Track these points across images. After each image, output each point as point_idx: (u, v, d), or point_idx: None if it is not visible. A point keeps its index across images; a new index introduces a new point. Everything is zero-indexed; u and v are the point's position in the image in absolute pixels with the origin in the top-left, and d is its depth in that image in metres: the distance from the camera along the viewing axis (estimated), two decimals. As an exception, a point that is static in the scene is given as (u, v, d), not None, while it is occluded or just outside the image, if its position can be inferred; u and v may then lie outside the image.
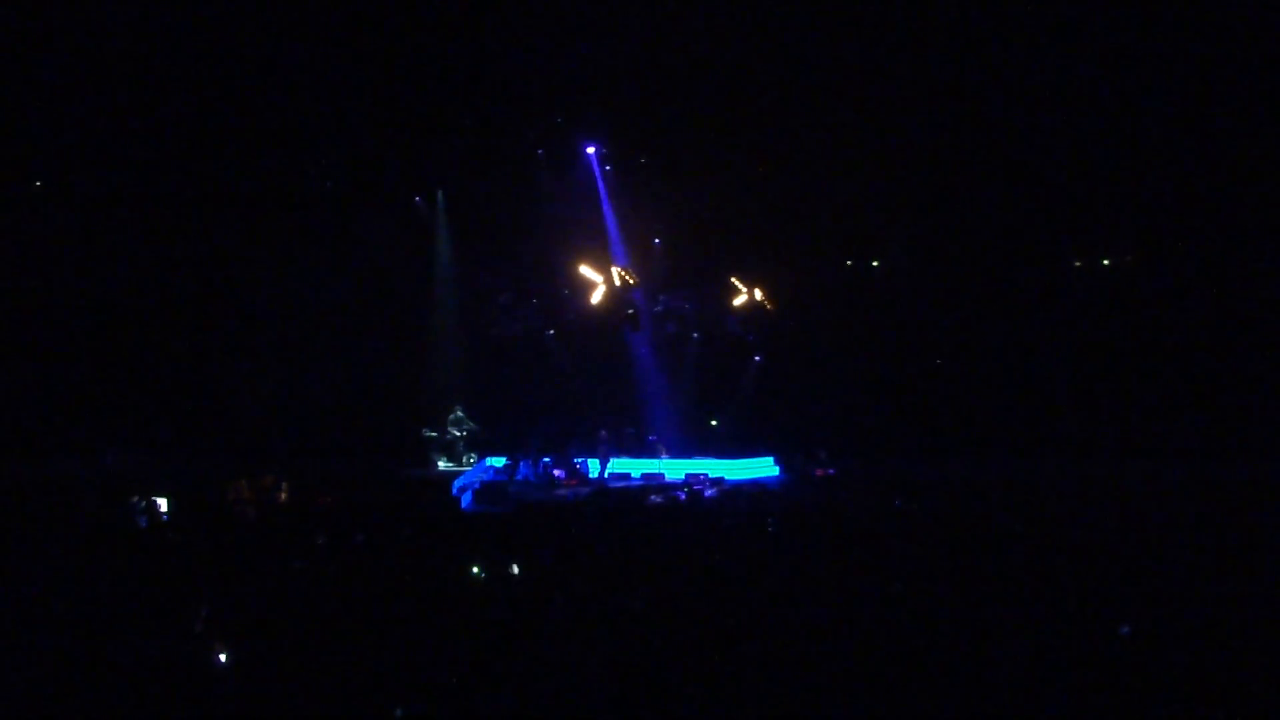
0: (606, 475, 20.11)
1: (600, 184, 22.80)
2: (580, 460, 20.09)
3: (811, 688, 6.14)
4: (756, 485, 19.07)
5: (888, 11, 18.79)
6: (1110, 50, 18.89)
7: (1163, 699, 5.81)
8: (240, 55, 18.94)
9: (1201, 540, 10.82)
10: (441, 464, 20.52)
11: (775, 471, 21.16)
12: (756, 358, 23.76)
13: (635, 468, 20.73)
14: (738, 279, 22.91)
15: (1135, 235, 22.31)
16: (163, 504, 13.53)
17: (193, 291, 22.53)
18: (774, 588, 8.48)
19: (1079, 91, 19.70)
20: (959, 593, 8.04)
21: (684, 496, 16.89)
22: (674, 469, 20.00)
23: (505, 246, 23.22)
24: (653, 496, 16.81)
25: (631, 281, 22.15)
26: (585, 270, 22.30)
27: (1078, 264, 23.08)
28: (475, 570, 9.58)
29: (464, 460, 20.56)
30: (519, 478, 19.27)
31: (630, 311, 22.39)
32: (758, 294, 22.87)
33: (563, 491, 18.21)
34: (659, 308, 23.53)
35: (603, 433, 20.78)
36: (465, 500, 17.06)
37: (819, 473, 20.08)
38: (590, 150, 22.44)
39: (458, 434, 20.79)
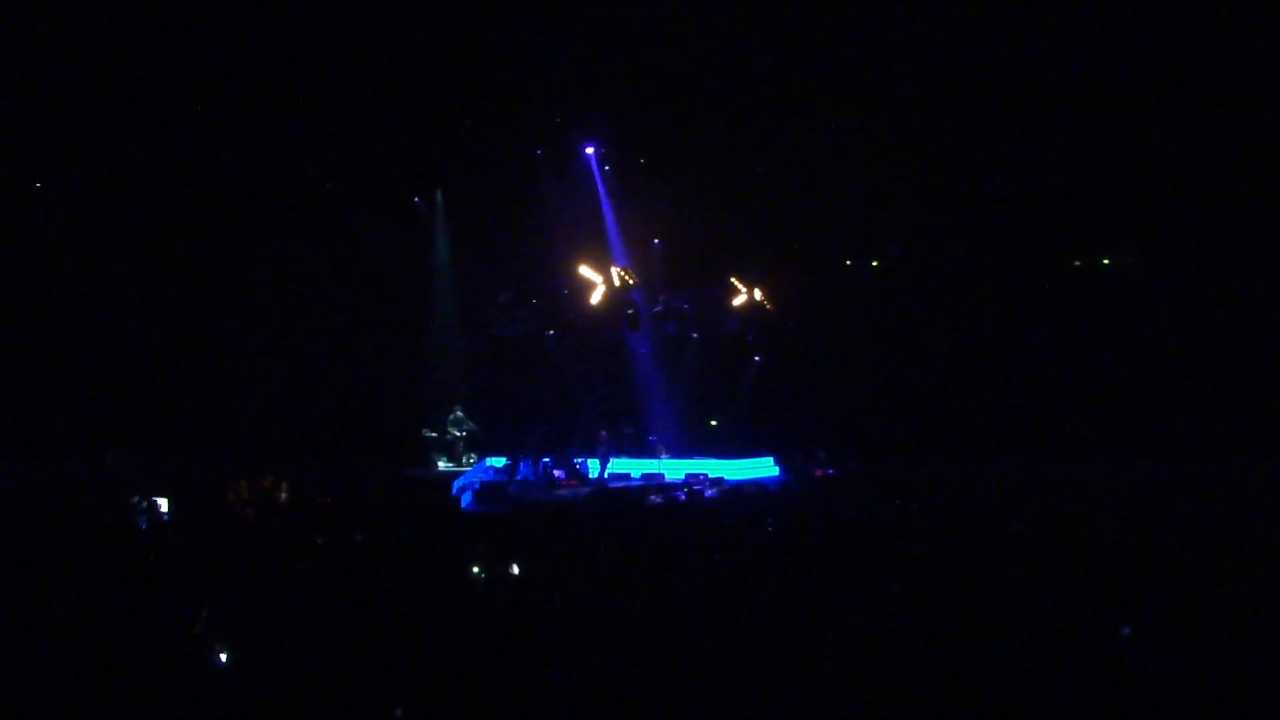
0: (606, 475, 20.11)
1: (599, 184, 22.80)
2: (580, 460, 20.09)
3: (811, 688, 6.13)
4: (756, 485, 19.07)
5: (888, 11, 18.79)
6: (1111, 50, 18.89)
7: (1163, 700, 5.81)
8: (240, 54, 18.93)
9: (1202, 540, 10.83)
10: (441, 464, 20.52)
11: (775, 472, 21.17)
12: (756, 358, 23.76)
13: (635, 468, 20.74)
14: (737, 279, 22.91)
15: (1135, 235, 22.32)
16: (163, 504, 13.52)
17: (192, 291, 22.52)
18: (774, 588, 8.48)
19: (1079, 91, 19.70)
20: (959, 593, 8.04)
21: (684, 496, 16.89)
22: (674, 469, 20.00)
23: (505, 246, 23.20)
24: (652, 496, 16.81)
25: (631, 281, 22.14)
26: (585, 270, 22.29)
27: (1077, 264, 23.09)
28: (475, 570, 9.57)
29: (464, 460, 20.55)
30: (519, 478, 19.27)
31: (630, 311, 22.38)
32: (757, 294, 22.87)
33: (562, 491, 18.20)
34: (658, 308, 23.52)
35: (603, 433, 20.78)
36: (465, 500, 17.07)
37: (819, 473, 20.09)
38: (589, 150, 22.44)
39: (457, 434, 20.78)
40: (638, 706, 5.99)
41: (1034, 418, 21.93)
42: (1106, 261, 23.00)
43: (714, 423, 23.82)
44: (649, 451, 21.40)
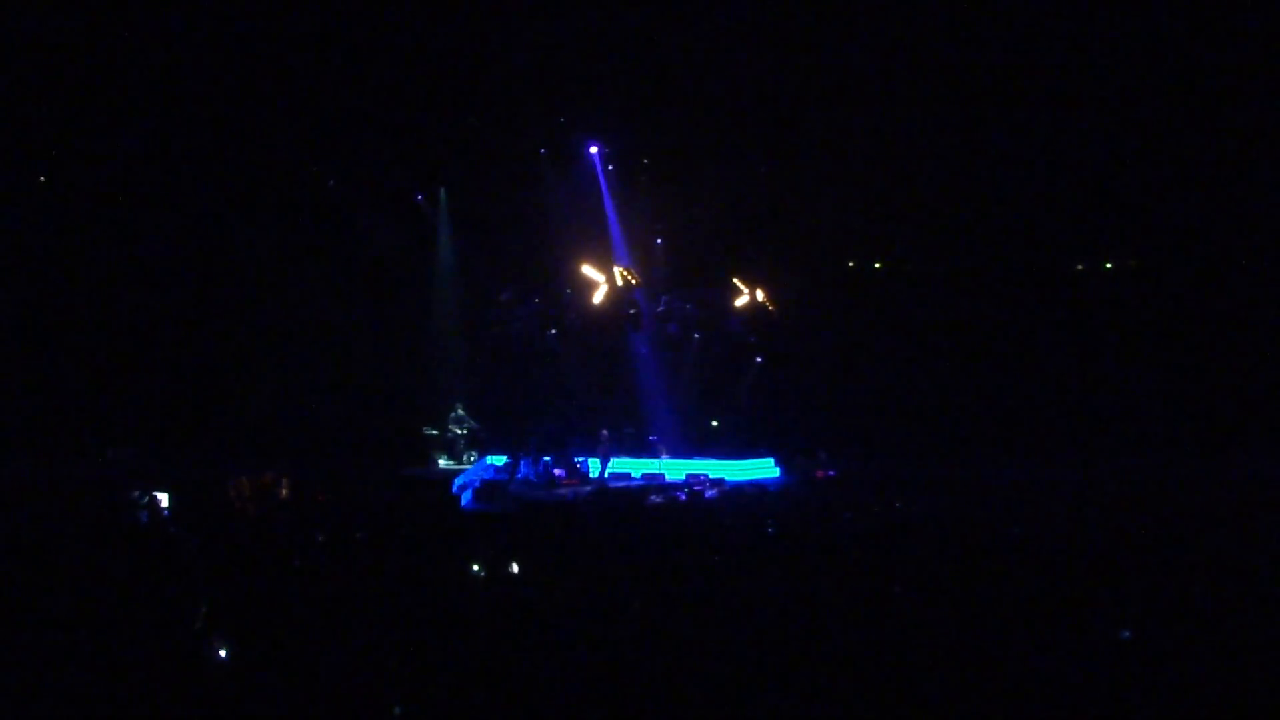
0: (607, 475, 20.11)
1: (603, 183, 22.80)
2: (581, 459, 20.08)
3: (812, 689, 6.13)
4: (757, 486, 19.07)
5: (890, 12, 18.78)
6: (1111, 51, 18.89)
7: (1163, 701, 5.80)
8: (242, 54, 18.94)
9: (1202, 542, 10.81)
10: (442, 462, 20.53)
11: (776, 472, 21.17)
12: (758, 359, 23.76)
13: (636, 468, 20.73)
14: (739, 280, 22.92)
15: (1137, 239, 22.33)
16: (163, 500, 13.52)
17: (194, 289, 22.54)
18: (774, 589, 8.47)
19: (1081, 93, 19.70)
20: (959, 594, 8.03)
21: (684, 497, 16.88)
22: (674, 469, 20.00)
23: (507, 245, 23.23)
24: (653, 496, 16.80)
25: (633, 281, 22.15)
26: (587, 270, 22.30)
27: (1080, 267, 23.10)
28: (475, 569, 9.57)
29: (464, 459, 20.56)
30: (519, 477, 19.25)
31: (632, 311, 22.39)
32: (759, 295, 22.88)
33: (563, 491, 18.19)
34: (660, 308, 23.53)
35: (603, 432, 20.78)
36: (465, 499, 17.05)
37: (819, 474, 20.09)
38: (593, 150, 22.44)
39: (458, 432, 20.79)
40: (638, 707, 5.99)
41: (1034, 419, 21.93)
42: (1109, 265, 23.01)
43: (715, 423, 23.82)
44: (650, 451, 21.40)
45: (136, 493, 13.33)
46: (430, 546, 10.81)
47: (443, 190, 23.26)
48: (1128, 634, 6.53)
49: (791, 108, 20.43)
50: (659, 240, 23.64)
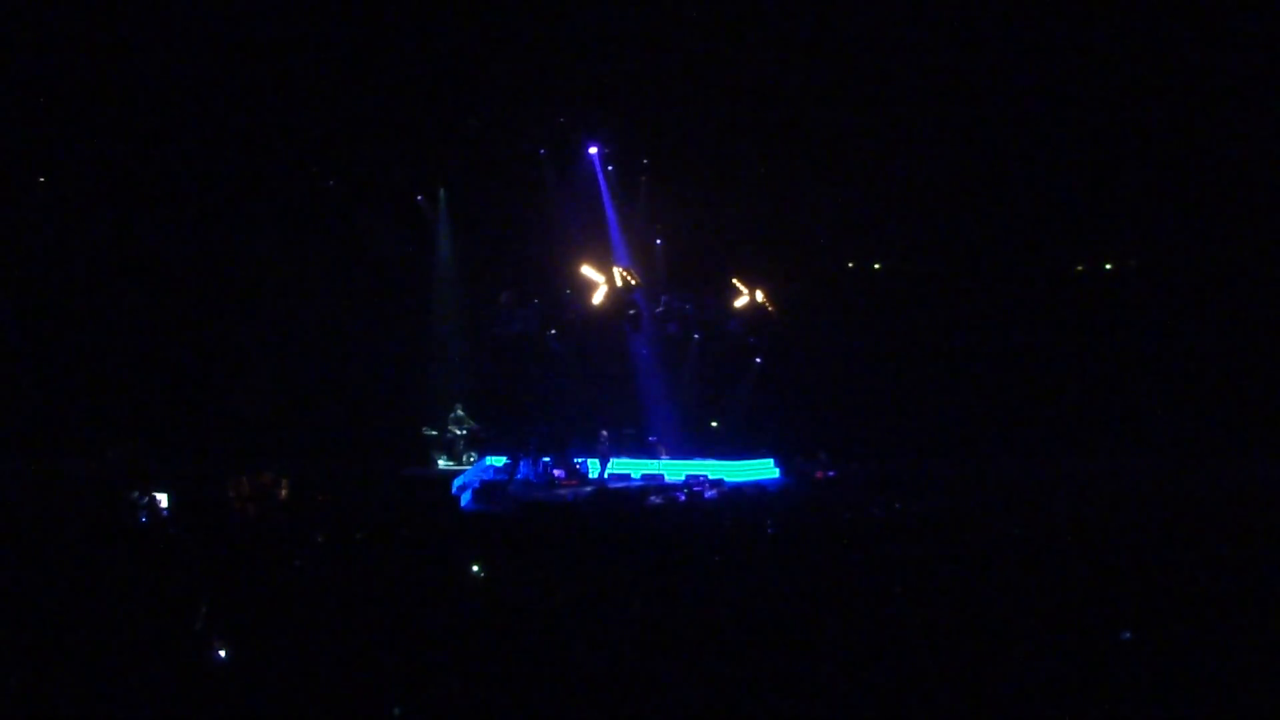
0: (606, 475, 20.10)
1: (602, 184, 22.80)
2: (580, 460, 20.08)
3: (812, 689, 6.13)
4: (756, 487, 19.07)
5: (890, 13, 18.79)
6: (1111, 51, 18.89)
7: (1164, 702, 5.80)
8: (243, 53, 18.93)
9: (1203, 542, 10.81)
10: (442, 463, 20.51)
11: (775, 473, 21.17)
12: (757, 359, 23.76)
13: (635, 468, 20.73)
14: (739, 280, 22.92)
15: (1137, 240, 22.34)
16: (163, 500, 13.53)
17: (194, 289, 22.52)
18: (773, 589, 8.47)
19: (1081, 94, 19.71)
20: (959, 594, 8.03)
21: (684, 497, 16.88)
22: (674, 470, 20.00)
23: (507, 246, 23.23)
24: (652, 497, 16.80)
25: (633, 282, 22.15)
26: (587, 270, 22.30)
27: (1080, 268, 23.11)
28: (475, 570, 9.57)
29: (464, 459, 20.54)
30: (519, 477, 19.25)
31: (631, 312, 22.38)
32: (759, 296, 22.88)
33: (562, 491, 18.19)
34: (660, 308, 23.53)
35: (603, 433, 20.78)
36: (465, 499, 17.05)
37: (819, 474, 20.09)
38: (593, 150, 22.44)
39: (458, 433, 20.77)
40: (638, 706, 5.98)
41: (1034, 419, 21.93)
42: (1109, 266, 23.02)
43: (714, 424, 23.82)
44: (649, 452, 21.41)
45: (136, 493, 13.35)
46: (430, 547, 10.80)
47: (443, 190, 23.25)
48: (1128, 634, 6.53)
49: (792, 108, 20.42)
50: (659, 241, 23.64)
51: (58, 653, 6.57)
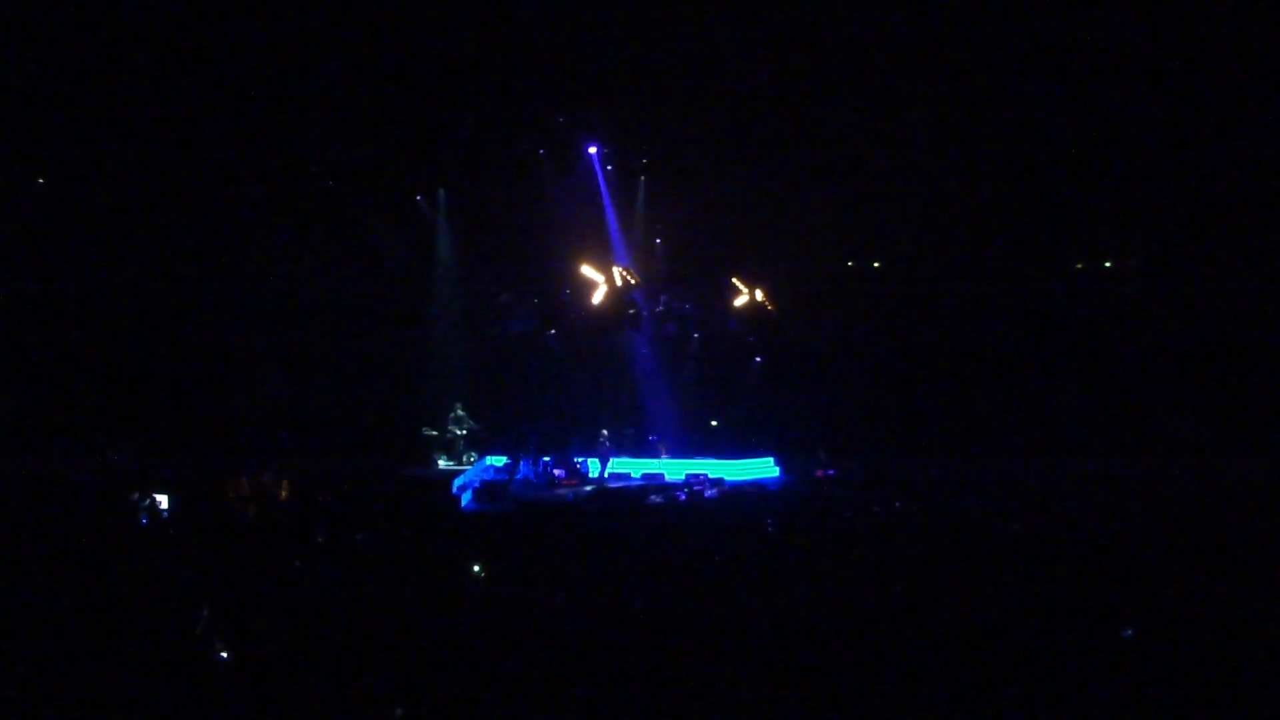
0: (606, 475, 20.10)
1: (601, 184, 22.80)
2: (580, 460, 20.08)
3: (812, 687, 6.13)
4: (757, 486, 19.07)
5: (889, 12, 18.78)
6: (1110, 51, 18.89)
7: (1164, 701, 5.80)
8: (242, 53, 18.93)
9: (1203, 541, 10.82)
10: (442, 463, 20.51)
11: (775, 472, 21.16)
12: (757, 358, 23.76)
13: (635, 468, 20.73)
14: (739, 279, 22.91)
15: (1138, 238, 22.33)
16: (163, 501, 13.53)
17: (194, 289, 22.53)
18: (773, 588, 8.47)
19: (1080, 93, 19.70)
20: (959, 594, 8.03)
21: (684, 497, 16.88)
22: (674, 469, 20.00)
23: (506, 246, 23.22)
24: (653, 496, 16.80)
25: (633, 281, 22.14)
26: (586, 270, 22.29)
27: (1080, 266, 23.10)
28: (475, 569, 9.57)
29: (464, 459, 20.54)
30: (519, 477, 19.25)
31: (631, 311, 22.38)
32: (759, 294, 22.87)
33: (562, 491, 18.19)
34: (660, 308, 23.53)
35: (603, 432, 20.78)
36: (465, 499, 17.05)
37: (819, 473, 20.08)
38: (592, 150, 22.43)
39: (458, 433, 20.78)
40: (637, 706, 5.98)
41: (1034, 418, 21.92)
42: (1108, 264, 23.01)
43: (714, 423, 23.82)
44: (649, 451, 21.41)
45: (136, 495, 13.35)
46: (430, 547, 10.81)
47: (442, 190, 23.24)
48: (1129, 632, 6.53)
49: (791, 106, 20.41)
50: (658, 240, 23.63)
51: (58, 653, 6.57)
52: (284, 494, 15.06)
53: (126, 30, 18.46)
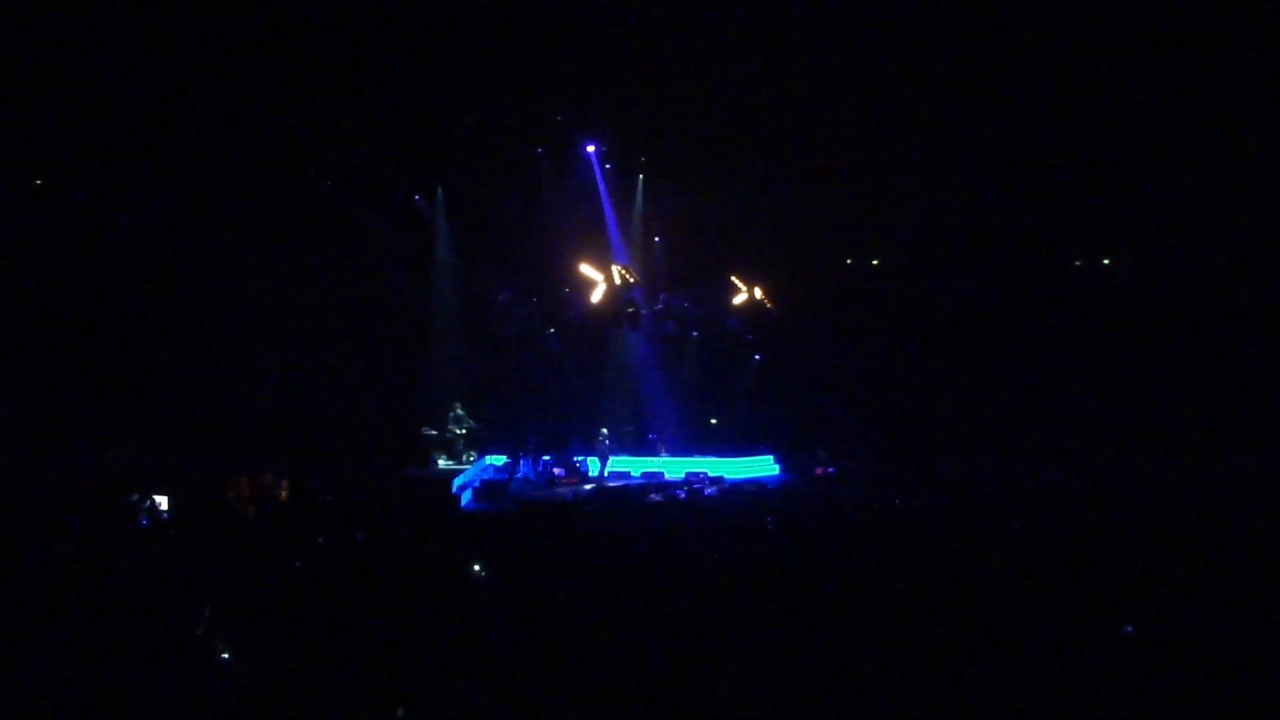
0: (606, 474, 20.11)
1: (600, 182, 22.79)
2: (580, 458, 20.08)
3: (811, 686, 6.13)
4: (756, 484, 19.07)
5: (888, 11, 18.78)
6: (1110, 50, 18.89)
7: (1164, 698, 5.80)
8: (240, 53, 18.91)
9: (1202, 539, 10.82)
10: (441, 462, 20.48)
11: (775, 470, 21.17)
12: (756, 356, 23.76)
13: (635, 466, 20.73)
14: (737, 277, 22.91)
15: (1135, 235, 22.33)
16: (163, 502, 13.53)
17: (193, 289, 22.51)
18: (773, 586, 8.48)
19: (1079, 90, 19.70)
20: (959, 591, 8.04)
21: (684, 495, 16.89)
22: (674, 467, 20.00)
23: (505, 245, 23.21)
24: (652, 495, 16.81)
25: (631, 280, 22.14)
26: (585, 269, 22.29)
27: (1077, 263, 23.11)
28: (475, 569, 9.57)
29: (464, 458, 20.53)
30: (519, 476, 19.25)
31: (630, 310, 22.37)
32: (757, 292, 22.87)
33: (562, 490, 18.19)
34: (659, 306, 23.52)
35: (603, 431, 20.79)
36: (465, 499, 17.05)
37: (818, 471, 20.09)
38: (590, 149, 22.43)
39: (458, 432, 20.75)
40: (637, 704, 5.98)
41: (1033, 416, 21.93)
42: (1106, 261, 23.01)
43: (714, 421, 23.82)
44: (649, 450, 21.41)
45: (136, 496, 13.35)
46: (430, 546, 10.81)
47: (440, 190, 23.23)
48: (1130, 629, 6.54)
49: (789, 104, 20.40)
50: (657, 239, 23.63)
51: (59, 653, 6.57)
52: (284, 494, 15.06)
53: (126, 30, 18.44)
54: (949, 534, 11.11)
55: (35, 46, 18.49)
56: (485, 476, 18.66)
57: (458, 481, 17.94)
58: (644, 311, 23.01)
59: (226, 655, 6.53)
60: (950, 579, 8.52)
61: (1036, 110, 20.08)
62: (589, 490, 17.79)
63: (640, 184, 23.15)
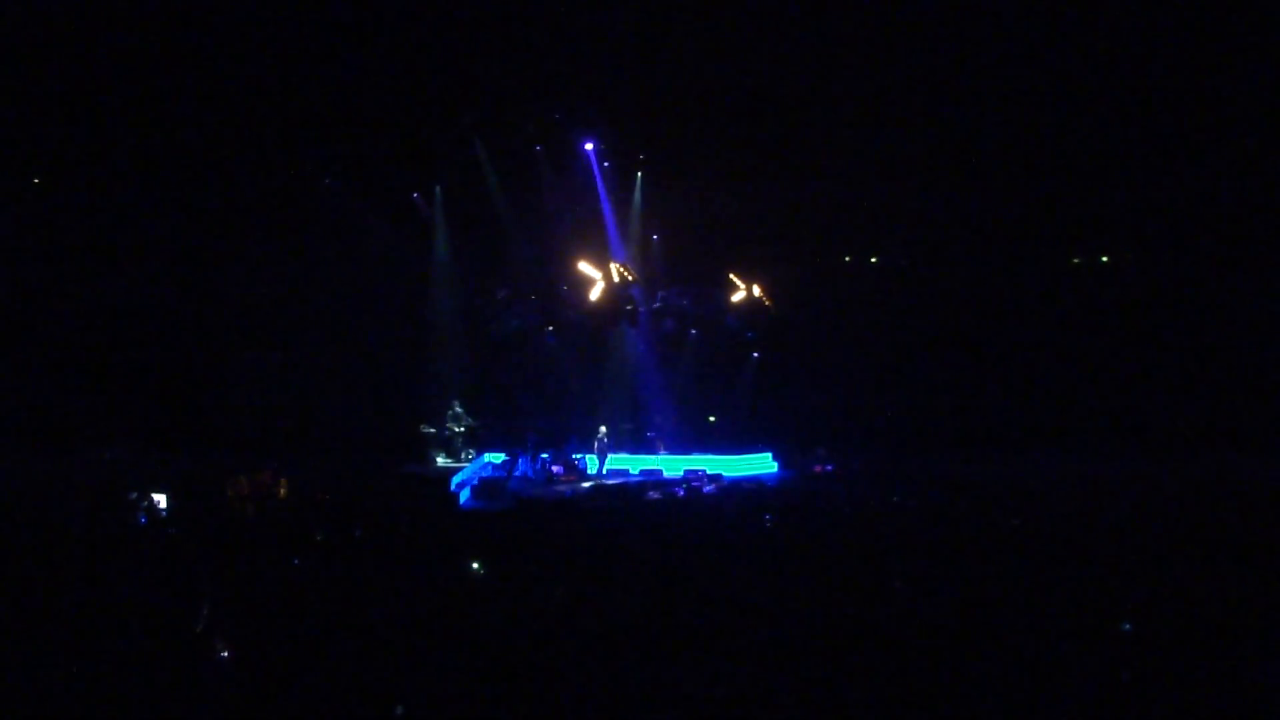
0: (605, 471, 20.11)
1: (598, 180, 22.78)
2: (578, 456, 20.09)
3: (810, 682, 6.14)
4: (755, 481, 19.08)
5: (888, 11, 18.78)
6: (1109, 50, 18.89)
7: (1164, 696, 5.82)
8: (240, 53, 18.90)
9: (1201, 538, 10.84)
10: (440, 460, 20.49)
11: (774, 468, 21.17)
12: (754, 354, 23.77)
13: (634, 464, 20.73)
14: (736, 275, 22.91)
15: (1134, 233, 22.34)
16: (161, 500, 13.53)
17: (192, 288, 22.50)
18: (772, 583, 8.49)
19: (1078, 88, 19.70)
20: (957, 589, 8.05)
21: (682, 493, 16.90)
22: (672, 465, 20.01)
23: (503, 243, 23.21)
24: (651, 492, 16.82)
25: (630, 277, 22.14)
26: (584, 266, 22.28)
27: (1076, 261, 23.12)
28: (474, 566, 9.59)
29: (462, 456, 20.53)
30: (517, 474, 19.25)
31: (629, 308, 22.37)
32: (756, 290, 22.87)
33: (561, 487, 18.20)
34: (657, 304, 23.52)
35: (601, 429, 20.79)
36: (464, 497, 17.05)
37: (817, 469, 20.10)
38: (588, 147, 22.42)
39: (456, 430, 20.75)
40: (637, 703, 6.00)
41: (1033, 415, 21.95)
42: (1105, 259, 23.03)
43: (712, 419, 23.83)
44: (648, 447, 21.40)
45: (135, 494, 13.35)
46: (430, 545, 10.82)
47: (439, 188, 23.22)
48: (1128, 626, 6.55)
49: (787, 102, 20.41)
50: (655, 236, 23.63)
51: (58, 652, 6.57)
52: (283, 492, 15.06)
53: (125, 30, 18.42)
54: (946, 531, 11.12)
55: (35, 46, 18.46)
56: (484, 474, 18.67)
57: (456, 479, 17.94)
58: (642, 309, 23.01)
59: (226, 653, 6.54)
60: (947, 575, 8.53)
61: (1036, 110, 20.09)
62: (587, 488, 17.80)
63: (639, 181, 23.14)
